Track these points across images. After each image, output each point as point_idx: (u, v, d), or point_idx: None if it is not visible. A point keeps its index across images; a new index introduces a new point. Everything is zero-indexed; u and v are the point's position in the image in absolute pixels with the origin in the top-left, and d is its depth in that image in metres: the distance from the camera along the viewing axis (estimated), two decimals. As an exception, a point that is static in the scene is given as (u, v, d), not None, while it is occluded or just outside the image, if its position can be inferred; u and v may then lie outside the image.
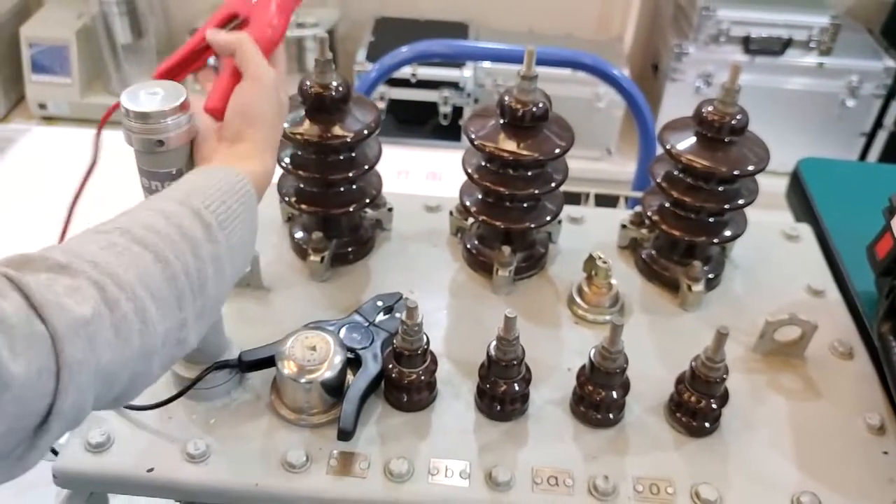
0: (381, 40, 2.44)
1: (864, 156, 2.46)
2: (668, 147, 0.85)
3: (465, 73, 2.35)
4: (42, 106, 2.56)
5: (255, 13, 0.70)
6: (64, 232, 0.70)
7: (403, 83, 2.35)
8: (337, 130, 0.82)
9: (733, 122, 0.82)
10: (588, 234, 0.99)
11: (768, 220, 1.01)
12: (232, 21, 0.71)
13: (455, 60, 2.33)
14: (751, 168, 0.83)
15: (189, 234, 0.53)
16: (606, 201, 1.29)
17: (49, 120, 2.58)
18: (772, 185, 1.13)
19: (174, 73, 0.69)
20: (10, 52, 2.54)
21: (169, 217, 0.53)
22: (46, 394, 0.43)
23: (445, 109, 2.40)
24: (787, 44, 2.29)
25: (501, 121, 0.83)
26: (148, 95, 0.60)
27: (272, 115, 0.65)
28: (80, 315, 0.45)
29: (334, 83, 0.81)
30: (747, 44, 2.30)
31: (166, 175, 0.62)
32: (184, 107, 0.60)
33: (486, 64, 2.36)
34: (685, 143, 0.84)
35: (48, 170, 1.63)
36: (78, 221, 0.70)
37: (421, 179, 1.53)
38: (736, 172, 0.82)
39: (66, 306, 0.44)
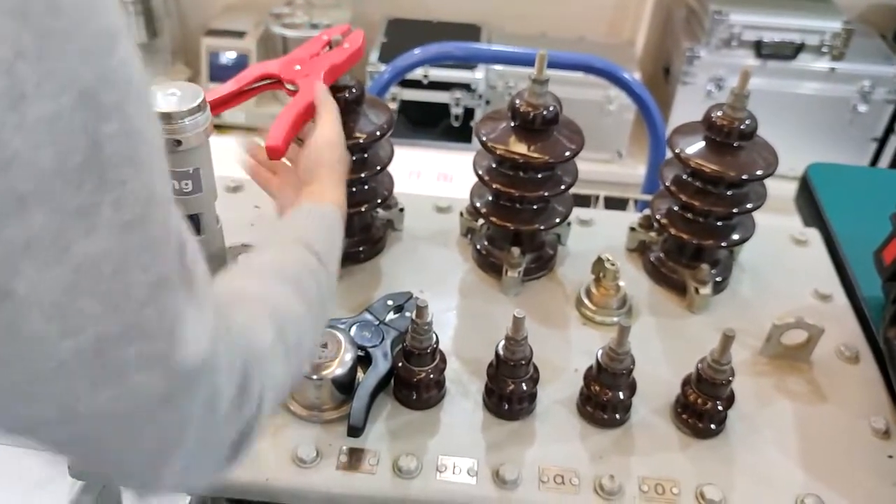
0: (394, 41, 2.45)
1: (875, 161, 2.45)
2: (677, 151, 0.85)
3: (477, 75, 2.36)
4: (57, 104, 2.58)
5: (304, 84, 0.76)
6: None
7: (415, 84, 2.36)
8: (350, 131, 0.83)
9: (742, 126, 0.82)
10: (597, 237, 1.00)
11: (777, 225, 1.02)
12: (266, 80, 0.78)
13: (468, 63, 2.34)
14: (759, 173, 0.83)
15: (311, 267, 0.60)
16: (616, 204, 1.30)
17: (64, 118, 2.61)
18: (782, 189, 1.14)
19: (225, 102, 0.75)
20: (27, 51, 2.57)
21: (293, 254, 0.60)
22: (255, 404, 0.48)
23: (457, 111, 2.41)
24: (799, 48, 2.29)
25: (512, 123, 0.84)
26: (165, 96, 0.61)
27: (339, 163, 0.73)
28: (263, 340, 0.49)
29: (349, 85, 0.83)
30: (759, 48, 2.30)
31: (184, 174, 0.63)
32: (201, 107, 0.62)
33: (498, 66, 2.37)
34: (694, 147, 0.85)
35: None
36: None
37: (432, 180, 1.54)
38: (744, 177, 0.83)
39: (255, 334, 0.49)
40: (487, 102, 2.41)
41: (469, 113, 2.42)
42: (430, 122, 2.47)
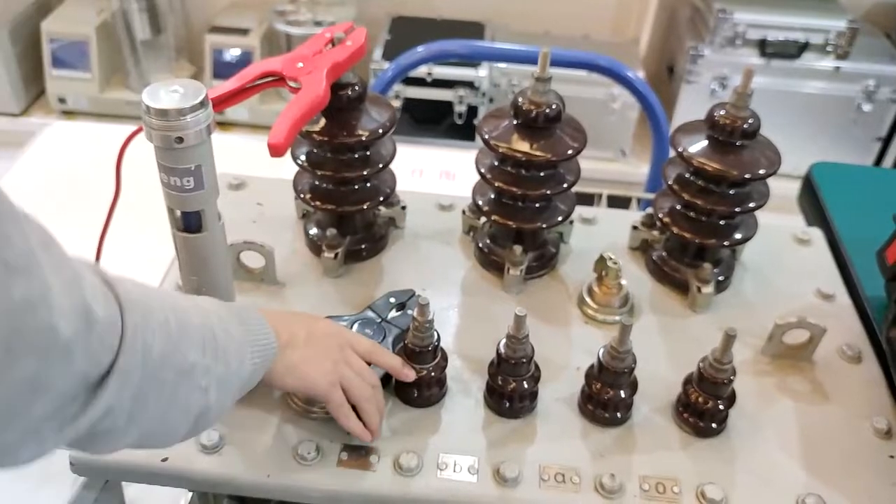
0: (397, 39, 2.45)
1: (879, 160, 2.45)
2: (680, 150, 0.85)
3: (481, 73, 2.36)
4: (62, 100, 2.58)
5: (307, 81, 0.76)
6: (97, 258, 0.74)
7: (419, 82, 2.37)
8: (352, 129, 0.83)
9: (745, 125, 0.82)
10: (599, 235, 1.00)
11: (779, 224, 1.01)
12: (269, 77, 0.78)
13: (471, 61, 2.34)
14: (762, 172, 0.83)
15: (218, 312, 0.59)
16: (619, 202, 1.30)
17: (69, 114, 2.61)
18: (785, 188, 1.14)
19: (227, 99, 0.76)
20: (32, 47, 2.57)
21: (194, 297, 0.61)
22: (113, 346, 0.47)
23: (460, 109, 2.41)
24: (803, 47, 2.29)
25: (515, 121, 0.84)
26: (168, 93, 0.61)
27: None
28: (135, 296, 0.50)
29: (351, 82, 0.83)
30: (763, 47, 2.30)
31: (185, 171, 0.63)
32: (203, 104, 0.62)
33: (502, 64, 2.37)
34: (697, 146, 0.85)
35: (68, 163, 1.65)
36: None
37: (434, 178, 1.54)
38: (747, 176, 0.83)
39: (125, 286, 0.50)
40: (491, 100, 2.41)
41: (472, 111, 2.42)
42: (433, 120, 2.47)
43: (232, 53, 2.51)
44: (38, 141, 1.73)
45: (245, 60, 2.49)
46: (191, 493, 0.94)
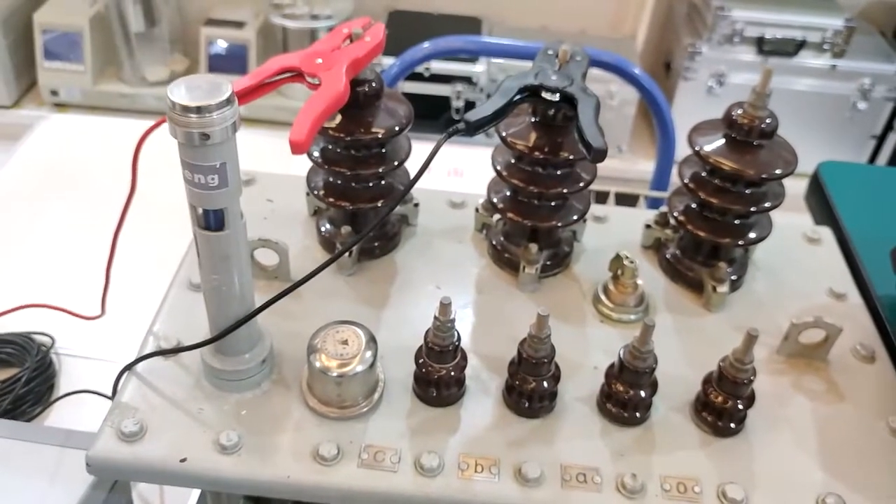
0: (395, 34, 2.42)
1: (873, 158, 2.47)
2: (696, 148, 0.85)
3: (478, 69, 2.35)
4: (54, 93, 2.56)
5: (326, 77, 0.75)
6: (109, 264, 0.73)
7: (416, 77, 2.36)
8: (369, 126, 0.83)
9: (763, 125, 0.82)
10: (611, 234, 1.00)
11: (789, 222, 1.01)
12: (287, 73, 0.77)
13: (477, 56, 2.33)
14: (778, 172, 0.83)
15: None
16: (626, 200, 1.30)
17: (61, 107, 2.58)
18: (787, 186, 1.13)
19: (244, 95, 0.75)
20: (24, 38, 2.54)
21: None
22: None
23: (458, 104, 2.40)
24: (800, 45, 2.30)
25: (533, 119, 0.84)
26: (193, 88, 0.60)
27: None
28: None
29: (368, 79, 0.82)
30: (761, 44, 2.30)
31: (210, 168, 0.62)
32: (229, 101, 0.61)
33: (500, 59, 2.36)
34: (714, 144, 0.85)
35: (66, 157, 1.63)
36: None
37: (442, 176, 1.53)
38: (764, 176, 0.83)
39: None
40: (489, 96, 2.40)
41: (470, 106, 2.42)
42: (430, 115, 2.46)
43: (227, 46, 2.49)
44: (35, 134, 1.70)
45: (240, 54, 2.47)
46: (198, 493, 0.94)
